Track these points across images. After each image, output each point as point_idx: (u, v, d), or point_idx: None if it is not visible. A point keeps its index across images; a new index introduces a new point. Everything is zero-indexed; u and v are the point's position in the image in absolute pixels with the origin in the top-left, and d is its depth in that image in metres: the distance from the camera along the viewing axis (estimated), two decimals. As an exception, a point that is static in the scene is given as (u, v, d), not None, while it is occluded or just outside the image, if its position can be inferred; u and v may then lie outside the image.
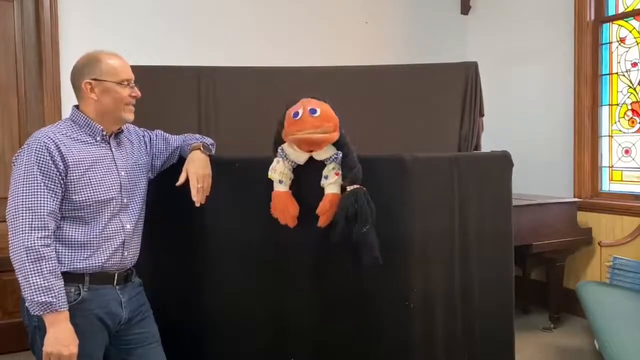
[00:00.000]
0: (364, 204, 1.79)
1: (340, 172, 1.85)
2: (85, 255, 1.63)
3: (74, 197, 1.60)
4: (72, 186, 1.60)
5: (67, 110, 3.20)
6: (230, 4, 3.74)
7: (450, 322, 2.09)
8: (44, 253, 1.52)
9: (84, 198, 1.62)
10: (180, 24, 3.56)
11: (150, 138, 1.93)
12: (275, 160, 1.92)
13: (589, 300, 2.82)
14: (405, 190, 2.00)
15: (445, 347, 2.08)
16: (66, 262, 1.61)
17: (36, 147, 1.57)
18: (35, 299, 1.50)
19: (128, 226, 1.72)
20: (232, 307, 2.02)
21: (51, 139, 1.60)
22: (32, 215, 1.53)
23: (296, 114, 1.83)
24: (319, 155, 1.89)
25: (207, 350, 2.04)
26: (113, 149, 1.74)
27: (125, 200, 1.72)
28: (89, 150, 1.67)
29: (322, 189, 1.88)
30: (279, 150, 1.91)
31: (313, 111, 1.82)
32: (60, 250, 1.60)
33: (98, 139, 1.70)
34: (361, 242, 1.81)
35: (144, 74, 2.68)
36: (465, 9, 4.62)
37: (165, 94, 2.65)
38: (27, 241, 1.52)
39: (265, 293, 2.01)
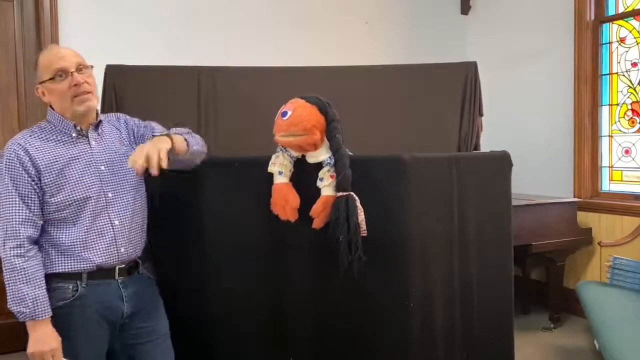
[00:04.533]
0: (341, 215, 1.79)
1: (335, 174, 1.85)
2: (76, 256, 1.61)
3: (52, 199, 1.59)
4: (49, 189, 1.59)
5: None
6: (231, 4, 3.74)
7: (450, 322, 2.09)
8: (15, 264, 1.54)
9: (61, 199, 1.60)
10: (181, 24, 3.56)
11: (137, 125, 1.84)
12: (274, 155, 1.94)
13: (589, 300, 2.82)
14: (405, 190, 1.99)
15: (445, 347, 2.08)
16: (59, 264, 1.61)
17: (7, 156, 1.58)
18: (12, 308, 1.55)
19: (117, 222, 1.66)
20: (232, 306, 2.02)
21: (21, 145, 1.59)
22: (5, 226, 1.55)
23: (281, 114, 1.87)
24: (310, 158, 1.90)
25: (207, 350, 2.04)
26: (93, 143, 1.68)
27: (110, 195, 1.66)
28: (64, 149, 1.63)
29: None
30: (280, 144, 1.92)
31: (284, 114, 1.85)
32: (51, 253, 1.61)
33: (74, 135, 1.66)
34: (338, 249, 1.81)
35: (144, 74, 2.69)
36: (465, 9, 4.62)
37: (165, 94, 2.65)
38: (1, 252, 1.56)
39: (264, 293, 2.01)
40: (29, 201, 1.57)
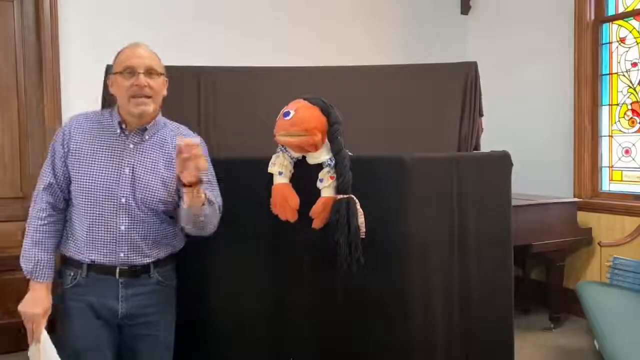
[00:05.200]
0: (341, 217, 1.79)
1: (335, 176, 1.85)
2: (80, 245, 1.66)
3: (73, 182, 1.65)
4: (73, 171, 1.65)
5: (67, 110, 3.22)
6: (231, 4, 3.74)
7: (450, 322, 2.09)
8: (32, 223, 1.66)
9: (77, 185, 1.64)
10: (181, 24, 3.56)
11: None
12: (274, 155, 1.94)
13: (589, 300, 2.82)
14: (405, 190, 1.99)
15: (445, 347, 2.08)
16: (69, 246, 1.69)
17: (62, 127, 1.72)
18: (20, 261, 1.66)
19: (122, 227, 1.64)
20: (231, 307, 2.02)
21: (73, 121, 1.71)
22: (38, 188, 1.68)
23: (283, 114, 1.87)
24: (311, 159, 1.90)
25: (207, 350, 2.04)
26: (131, 145, 1.67)
27: (123, 200, 1.63)
28: (101, 140, 1.66)
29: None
30: (280, 145, 1.92)
31: (286, 114, 1.85)
32: (68, 233, 1.69)
33: (118, 132, 1.68)
34: (338, 251, 1.81)
35: (143, 74, 2.69)
36: (465, 9, 4.62)
37: (165, 93, 2.65)
38: (30, 210, 1.69)
39: (264, 293, 2.01)
40: (59, 172, 1.66)
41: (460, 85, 2.87)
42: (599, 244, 3.43)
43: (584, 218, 3.63)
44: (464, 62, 3.06)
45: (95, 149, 1.65)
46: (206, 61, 2.98)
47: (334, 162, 1.86)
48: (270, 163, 1.92)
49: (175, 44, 3.50)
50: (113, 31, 3.30)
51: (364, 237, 1.83)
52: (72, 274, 1.67)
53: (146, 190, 1.66)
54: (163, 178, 1.69)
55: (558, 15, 3.90)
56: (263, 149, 1.99)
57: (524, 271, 3.86)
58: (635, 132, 3.61)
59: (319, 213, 1.86)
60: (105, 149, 1.66)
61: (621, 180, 3.70)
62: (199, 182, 1.57)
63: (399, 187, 1.99)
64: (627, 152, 3.65)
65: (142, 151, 1.69)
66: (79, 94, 3.17)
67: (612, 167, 3.74)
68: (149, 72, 1.64)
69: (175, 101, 2.68)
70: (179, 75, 2.77)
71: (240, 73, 2.83)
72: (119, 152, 1.66)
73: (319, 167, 1.90)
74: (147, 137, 1.70)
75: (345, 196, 1.82)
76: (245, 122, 2.65)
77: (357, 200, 1.83)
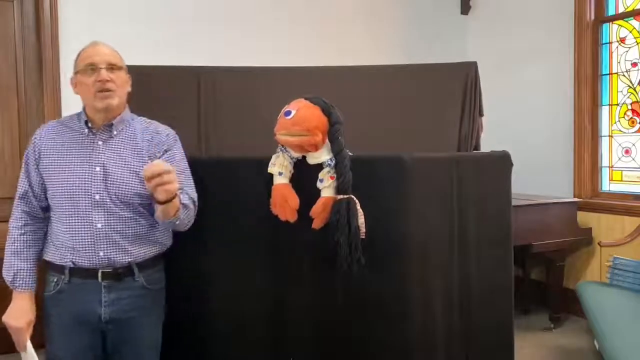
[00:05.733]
0: (341, 218, 1.79)
1: (335, 176, 1.85)
2: (61, 249, 1.65)
3: (48, 186, 1.67)
4: (46, 175, 1.67)
5: (67, 110, 3.22)
6: (231, 4, 3.74)
7: (450, 322, 2.09)
8: (11, 235, 1.69)
9: (52, 188, 1.66)
10: (180, 24, 3.56)
11: (169, 152, 1.74)
12: (274, 155, 1.94)
13: (589, 300, 2.82)
14: (405, 190, 1.99)
15: (445, 347, 2.08)
16: (50, 252, 1.69)
17: (33, 135, 1.74)
18: (2, 271, 1.67)
19: (99, 225, 1.62)
20: (231, 307, 2.02)
21: (43, 129, 1.73)
22: (15, 198, 1.71)
23: (285, 113, 1.87)
24: (311, 159, 1.90)
25: (207, 350, 2.04)
26: (100, 142, 1.67)
27: (97, 197, 1.62)
28: (70, 142, 1.67)
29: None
30: (280, 145, 1.92)
31: (287, 113, 1.85)
32: (49, 239, 1.69)
33: (86, 131, 1.68)
34: (338, 251, 1.81)
35: (144, 74, 2.69)
36: (465, 9, 4.62)
37: (165, 94, 2.65)
38: (10, 220, 1.71)
39: (264, 293, 2.01)
40: (33, 180, 1.68)
41: (460, 85, 2.87)
42: (599, 244, 3.43)
43: (584, 218, 3.63)
44: (464, 62, 3.06)
45: (65, 151, 1.66)
46: (206, 61, 2.99)
47: (334, 162, 1.86)
48: (270, 163, 1.92)
49: (175, 44, 3.51)
50: (113, 31, 3.29)
51: (364, 237, 1.83)
52: (54, 280, 1.67)
53: (119, 185, 1.65)
54: (136, 170, 1.67)
55: (558, 15, 3.90)
56: (263, 149, 1.98)
57: (524, 271, 3.86)
58: (635, 132, 3.61)
59: (319, 213, 1.86)
60: (75, 150, 1.67)
61: (621, 180, 3.70)
62: (173, 198, 1.55)
63: (399, 187, 1.99)
64: (627, 152, 3.65)
65: (112, 147, 1.69)
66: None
67: (612, 167, 3.74)
68: (111, 67, 1.66)
69: (176, 101, 2.70)
70: (179, 75, 2.78)
71: (240, 73, 2.83)
72: (88, 151, 1.67)
73: (319, 167, 1.90)
74: (114, 132, 1.70)
75: (345, 196, 1.82)
76: (245, 122, 2.65)
77: (357, 201, 1.83)
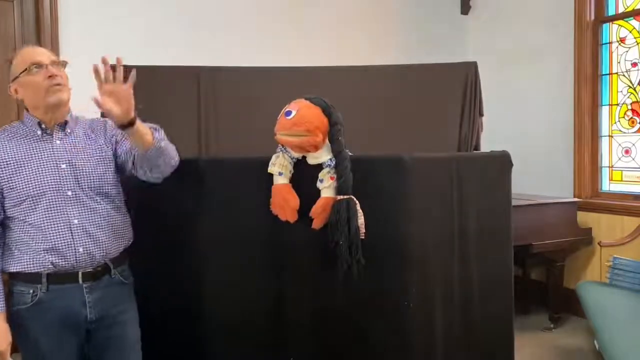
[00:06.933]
0: (341, 218, 1.79)
1: (335, 176, 1.85)
2: (35, 254, 1.61)
3: (9, 194, 1.60)
4: (6, 183, 1.61)
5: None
6: (231, 5, 3.74)
7: (450, 322, 2.09)
8: None
9: (16, 194, 1.60)
10: (180, 24, 3.56)
11: (111, 133, 1.79)
12: (274, 155, 1.94)
13: (589, 300, 2.82)
14: (405, 190, 2.00)
15: (445, 347, 2.08)
16: (20, 262, 1.62)
17: None
18: None
19: (76, 221, 1.62)
20: (231, 307, 2.02)
21: None
22: None
23: (285, 113, 1.86)
24: (311, 159, 1.90)
25: (207, 350, 2.04)
26: (57, 141, 1.67)
27: (69, 194, 1.62)
28: (26, 146, 1.64)
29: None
30: (279, 145, 1.92)
31: (288, 113, 1.85)
32: (14, 251, 1.63)
33: (39, 133, 1.66)
34: (338, 251, 1.81)
35: (144, 74, 2.68)
36: (465, 9, 4.62)
37: (165, 94, 2.65)
38: None
39: (264, 293, 2.01)
40: None
41: (460, 85, 2.87)
42: (599, 244, 3.43)
43: (584, 218, 3.63)
44: (464, 62, 3.07)
45: (21, 157, 1.63)
46: (206, 61, 2.99)
47: (334, 162, 1.86)
48: (270, 163, 1.92)
49: (175, 44, 3.51)
50: (113, 31, 3.30)
51: (363, 237, 1.83)
52: (30, 291, 1.61)
53: (91, 178, 1.67)
54: (102, 159, 1.71)
55: (558, 15, 3.90)
56: (263, 149, 1.98)
57: (524, 271, 3.86)
58: (635, 132, 3.61)
59: (319, 213, 1.86)
60: (33, 153, 1.64)
61: (621, 180, 3.70)
62: (134, 117, 1.57)
63: (399, 187, 1.99)
64: (627, 152, 3.65)
65: (72, 143, 1.69)
66: (79, 94, 3.17)
67: (612, 167, 3.74)
68: (54, 63, 1.67)
69: (176, 101, 2.70)
70: (179, 75, 2.78)
71: (240, 73, 2.84)
72: (48, 151, 1.65)
73: (319, 167, 1.90)
74: (69, 130, 1.71)
75: (345, 197, 1.82)
76: (245, 122, 2.66)
77: (357, 201, 1.83)
